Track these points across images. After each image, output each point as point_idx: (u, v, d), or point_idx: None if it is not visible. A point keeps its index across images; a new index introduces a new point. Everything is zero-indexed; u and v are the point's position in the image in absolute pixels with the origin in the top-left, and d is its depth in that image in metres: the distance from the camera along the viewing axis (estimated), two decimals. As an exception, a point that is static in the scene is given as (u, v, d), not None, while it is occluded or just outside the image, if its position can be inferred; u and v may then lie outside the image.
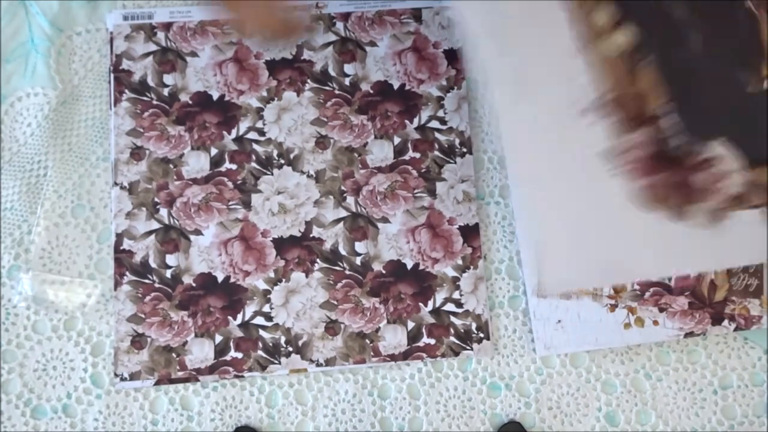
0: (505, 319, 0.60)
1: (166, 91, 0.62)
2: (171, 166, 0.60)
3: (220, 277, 0.59)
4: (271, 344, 0.58)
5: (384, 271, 0.60)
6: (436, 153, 0.62)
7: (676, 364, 0.59)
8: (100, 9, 0.64)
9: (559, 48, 0.44)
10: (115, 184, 0.60)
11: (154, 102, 0.61)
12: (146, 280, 0.58)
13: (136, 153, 0.60)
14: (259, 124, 0.62)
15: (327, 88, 0.63)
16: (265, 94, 0.62)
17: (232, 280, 0.59)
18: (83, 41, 0.63)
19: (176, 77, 0.62)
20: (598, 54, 0.44)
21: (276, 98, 0.62)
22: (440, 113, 0.63)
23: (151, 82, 0.62)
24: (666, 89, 0.45)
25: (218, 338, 0.58)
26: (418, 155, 0.62)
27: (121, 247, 0.59)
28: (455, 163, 0.62)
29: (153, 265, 0.59)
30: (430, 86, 0.63)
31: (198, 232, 0.59)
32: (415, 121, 0.62)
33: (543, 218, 0.45)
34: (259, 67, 0.63)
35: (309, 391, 0.58)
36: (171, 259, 0.59)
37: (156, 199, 0.60)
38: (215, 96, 0.62)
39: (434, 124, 0.62)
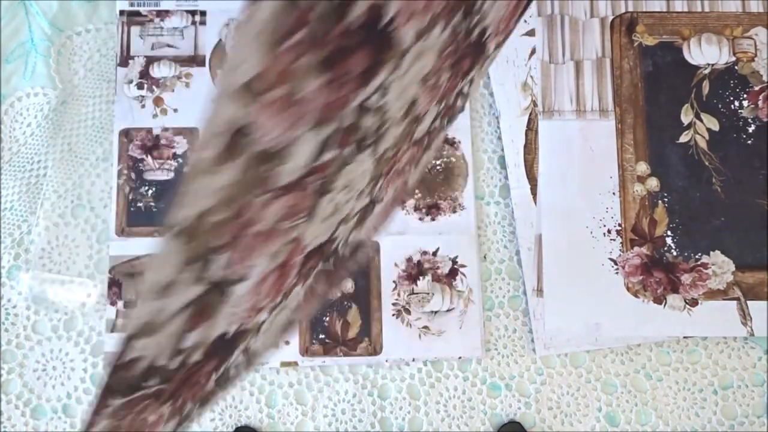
0: (504, 319, 0.60)
1: None
2: None
3: None
4: None
5: None
6: None
7: (676, 364, 0.59)
8: (100, 9, 0.64)
9: (602, 188, 0.61)
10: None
11: None
12: None
13: None
14: None
15: None
16: None
17: None
18: (83, 41, 0.63)
19: None
20: (631, 192, 0.61)
21: None
22: None
23: None
24: (671, 218, 0.61)
25: None
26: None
27: None
28: None
29: None
30: None
31: None
32: None
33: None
34: None
35: (309, 391, 0.58)
36: None
37: None
38: None
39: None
